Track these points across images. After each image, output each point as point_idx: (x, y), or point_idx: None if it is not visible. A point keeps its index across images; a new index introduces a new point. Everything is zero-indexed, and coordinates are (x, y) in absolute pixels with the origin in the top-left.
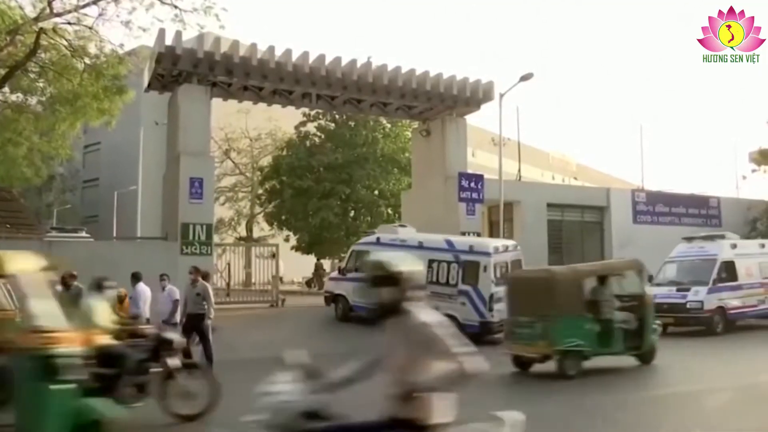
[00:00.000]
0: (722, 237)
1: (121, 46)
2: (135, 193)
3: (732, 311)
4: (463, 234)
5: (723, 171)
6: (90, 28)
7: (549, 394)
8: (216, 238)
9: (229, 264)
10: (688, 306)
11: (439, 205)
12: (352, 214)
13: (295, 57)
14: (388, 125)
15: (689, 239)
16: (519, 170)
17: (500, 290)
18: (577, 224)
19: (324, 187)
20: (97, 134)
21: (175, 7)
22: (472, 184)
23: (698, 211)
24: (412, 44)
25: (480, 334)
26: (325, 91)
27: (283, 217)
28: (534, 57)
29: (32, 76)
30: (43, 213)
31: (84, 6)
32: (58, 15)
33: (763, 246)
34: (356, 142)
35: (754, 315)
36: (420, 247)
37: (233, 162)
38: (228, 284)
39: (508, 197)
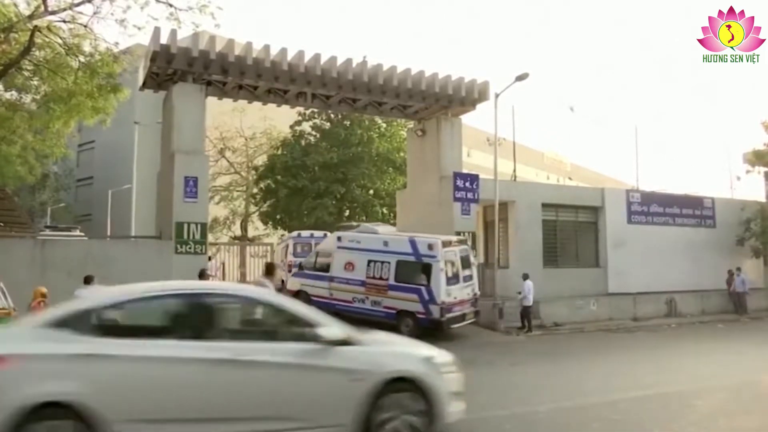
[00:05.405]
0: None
1: (116, 44)
2: (129, 192)
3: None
4: (458, 234)
5: (717, 172)
6: (85, 26)
7: None
8: (210, 238)
9: (223, 263)
10: None
11: (434, 205)
12: (347, 213)
13: (290, 56)
14: (384, 125)
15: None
16: (514, 170)
17: (300, 260)
18: (572, 224)
19: (319, 186)
20: (91, 133)
21: (170, 5)
22: (467, 184)
23: (692, 212)
24: (408, 44)
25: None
26: (320, 90)
27: (278, 217)
28: (530, 57)
29: (26, 74)
30: (36, 211)
31: (79, 4)
32: (53, 13)
33: (385, 243)
34: (351, 142)
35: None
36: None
37: (228, 161)
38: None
39: (503, 197)
